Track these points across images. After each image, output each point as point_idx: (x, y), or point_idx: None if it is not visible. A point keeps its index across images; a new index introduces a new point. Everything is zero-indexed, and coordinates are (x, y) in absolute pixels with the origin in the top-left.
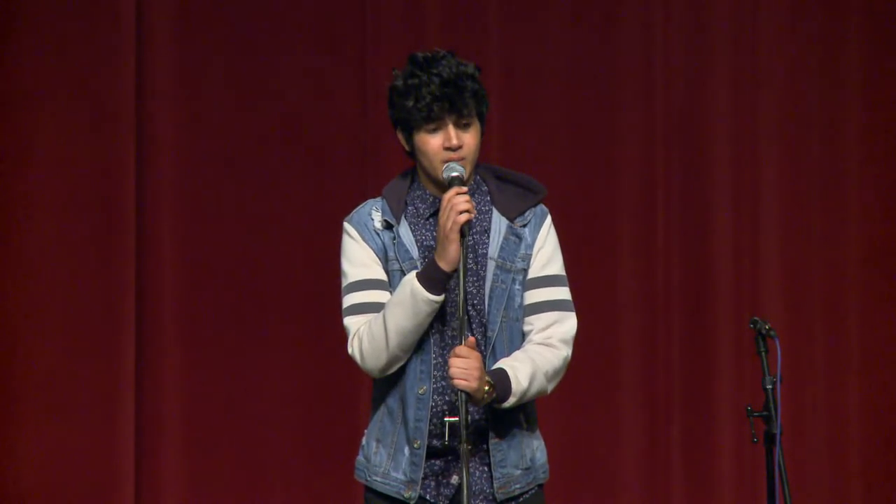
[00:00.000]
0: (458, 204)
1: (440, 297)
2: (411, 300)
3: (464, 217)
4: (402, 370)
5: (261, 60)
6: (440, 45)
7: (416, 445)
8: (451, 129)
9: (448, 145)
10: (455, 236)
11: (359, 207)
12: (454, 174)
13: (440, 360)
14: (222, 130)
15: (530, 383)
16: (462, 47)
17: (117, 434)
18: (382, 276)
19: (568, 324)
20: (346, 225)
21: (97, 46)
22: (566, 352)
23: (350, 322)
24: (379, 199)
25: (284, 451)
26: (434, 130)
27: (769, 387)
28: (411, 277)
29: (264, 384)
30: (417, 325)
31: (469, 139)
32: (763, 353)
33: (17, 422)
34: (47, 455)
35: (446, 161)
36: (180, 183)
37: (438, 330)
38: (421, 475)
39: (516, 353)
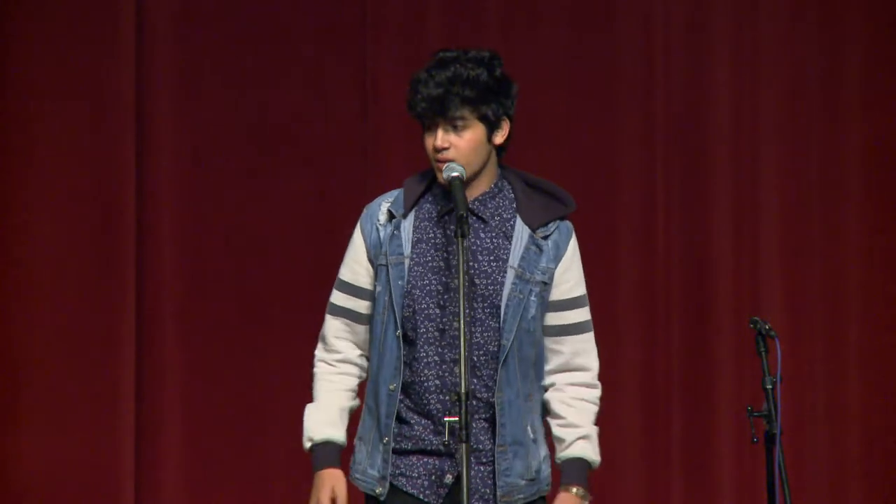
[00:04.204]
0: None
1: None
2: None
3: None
4: (381, 367)
5: (261, 60)
6: (439, 46)
7: (384, 441)
8: (439, 131)
9: (434, 145)
10: None
11: (382, 195)
12: (454, 174)
13: (434, 358)
14: (222, 130)
15: (594, 447)
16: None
17: (118, 436)
18: (364, 281)
19: (594, 349)
20: (363, 211)
21: (97, 46)
22: (598, 386)
23: (326, 322)
24: (400, 189)
25: (285, 453)
26: (428, 130)
27: (769, 387)
28: (316, 437)
29: (265, 385)
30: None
31: (459, 141)
32: (763, 353)
33: (18, 423)
34: (47, 456)
35: (437, 161)
36: (180, 182)
37: (416, 327)
38: (390, 472)
39: (572, 426)
